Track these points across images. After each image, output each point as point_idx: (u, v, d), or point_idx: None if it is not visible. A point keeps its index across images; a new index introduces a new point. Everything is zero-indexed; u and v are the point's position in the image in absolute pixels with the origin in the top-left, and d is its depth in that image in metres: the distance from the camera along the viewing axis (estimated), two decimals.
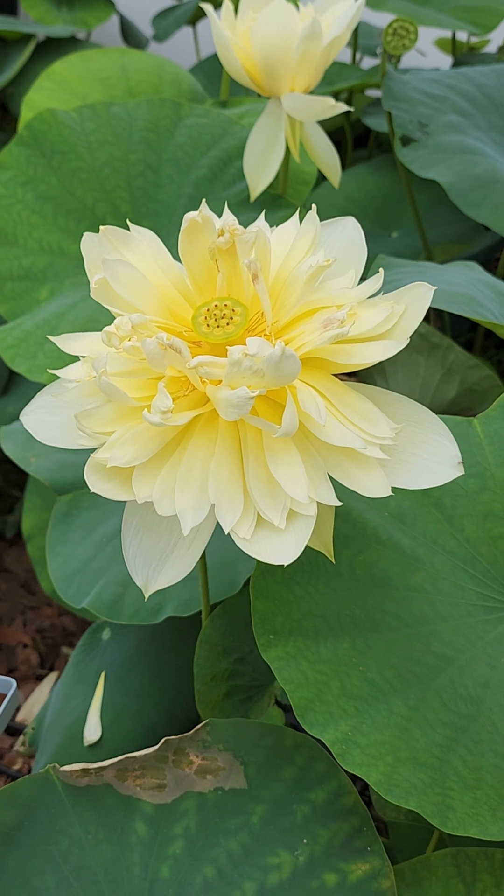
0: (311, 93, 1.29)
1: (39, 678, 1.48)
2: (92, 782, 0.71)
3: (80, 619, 1.54)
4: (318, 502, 0.56)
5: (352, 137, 1.89)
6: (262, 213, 0.67)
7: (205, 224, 0.60)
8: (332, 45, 1.00)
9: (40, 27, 1.93)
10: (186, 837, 0.69)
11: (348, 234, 0.65)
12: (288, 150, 1.09)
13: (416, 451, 0.59)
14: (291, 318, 0.60)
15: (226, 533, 0.55)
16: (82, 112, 1.21)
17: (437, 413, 0.79)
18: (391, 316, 0.59)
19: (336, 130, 1.91)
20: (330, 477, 0.57)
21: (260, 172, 1.08)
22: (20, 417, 0.64)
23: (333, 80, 1.71)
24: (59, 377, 0.62)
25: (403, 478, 0.58)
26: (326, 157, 1.09)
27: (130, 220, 1.17)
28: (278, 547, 0.55)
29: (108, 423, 0.58)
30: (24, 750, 1.03)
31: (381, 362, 1.52)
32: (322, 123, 1.68)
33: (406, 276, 1.00)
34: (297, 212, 0.66)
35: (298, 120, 1.05)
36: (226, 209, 0.66)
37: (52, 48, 1.88)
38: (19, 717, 1.38)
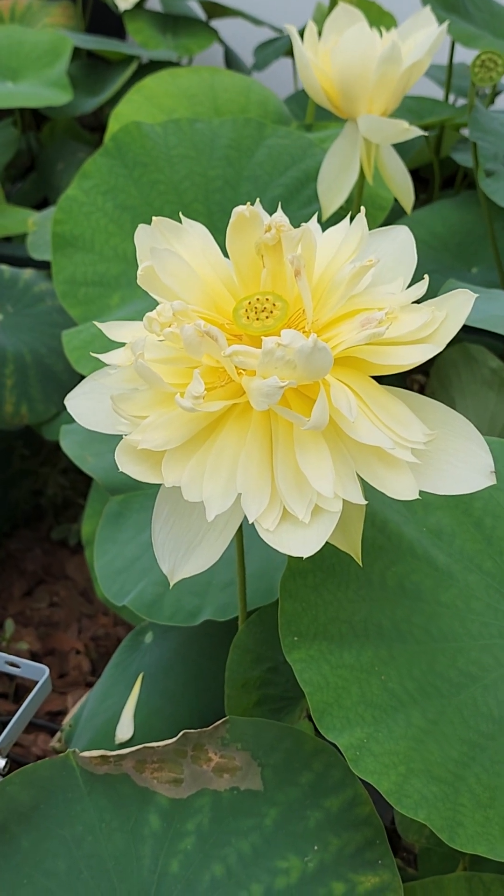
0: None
1: (89, 685, 1.49)
2: (110, 770, 0.71)
3: (133, 627, 1.55)
4: (344, 500, 0.56)
5: (440, 175, 1.90)
6: (315, 216, 0.68)
7: (252, 219, 0.61)
8: (411, 69, 1.01)
9: (144, 51, 1.98)
10: (199, 834, 0.69)
11: (399, 243, 0.66)
12: (363, 175, 1.10)
13: (447, 458, 0.59)
14: (332, 318, 0.60)
15: (250, 522, 0.56)
16: (167, 126, 1.24)
17: None
18: (431, 321, 0.59)
19: (425, 167, 1.92)
20: (361, 480, 0.58)
21: (333, 193, 1.09)
22: (65, 401, 0.65)
23: (424, 115, 1.72)
24: (103, 362, 0.63)
25: (433, 482, 0.58)
26: (400, 181, 1.10)
27: None
28: (300, 540, 0.55)
29: (145, 407, 0.59)
30: (59, 746, 1.03)
31: (451, 395, 1.52)
32: (410, 158, 1.69)
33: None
34: (348, 216, 0.66)
35: (374, 143, 1.05)
36: (279, 208, 0.67)
37: (152, 70, 1.93)
38: (65, 721, 1.40)
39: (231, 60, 2.27)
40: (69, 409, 0.64)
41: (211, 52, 2.36)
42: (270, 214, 1.18)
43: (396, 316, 0.60)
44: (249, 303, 0.59)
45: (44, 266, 1.47)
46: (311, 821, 0.69)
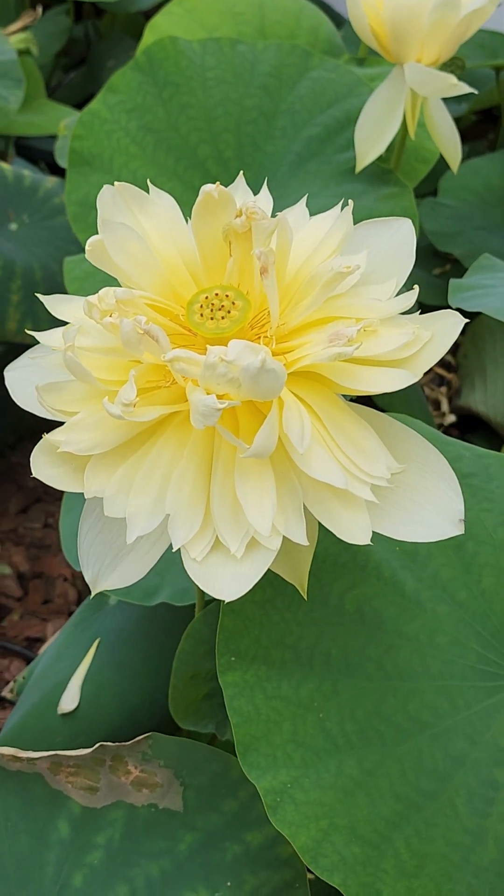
0: (450, 63, 1.20)
1: (71, 614, 1.45)
2: (23, 768, 0.66)
3: None
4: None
5: None
6: (304, 199, 0.59)
7: (222, 200, 0.53)
8: (471, 17, 0.91)
9: None
10: (108, 849, 0.64)
11: (400, 237, 0.57)
12: (406, 125, 1.00)
13: (413, 497, 0.52)
14: (302, 323, 0.53)
15: (174, 549, 0.49)
16: (206, 45, 1.14)
17: None
18: (413, 342, 0.51)
19: (494, 107, 1.79)
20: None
21: (371, 143, 0.99)
22: (4, 372, 0.58)
23: (498, 53, 1.59)
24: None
25: (392, 525, 0.51)
26: (446, 135, 1.00)
27: (233, 169, 1.10)
28: (229, 577, 0.48)
29: (75, 402, 0.52)
30: (10, 697, 0.99)
31: (483, 363, 1.43)
32: (481, 97, 1.57)
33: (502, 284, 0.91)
34: (339, 204, 0.58)
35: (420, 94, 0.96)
36: (265, 187, 0.59)
37: None
38: (43, 649, 1.36)
39: None
40: (7, 383, 0.57)
41: None
42: (304, 155, 1.09)
43: (375, 330, 0.52)
44: (206, 297, 0.52)
45: None
46: (228, 853, 0.63)
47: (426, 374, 1.48)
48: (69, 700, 0.86)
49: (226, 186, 0.57)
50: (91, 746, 0.65)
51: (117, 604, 0.95)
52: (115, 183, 0.55)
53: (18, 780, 0.66)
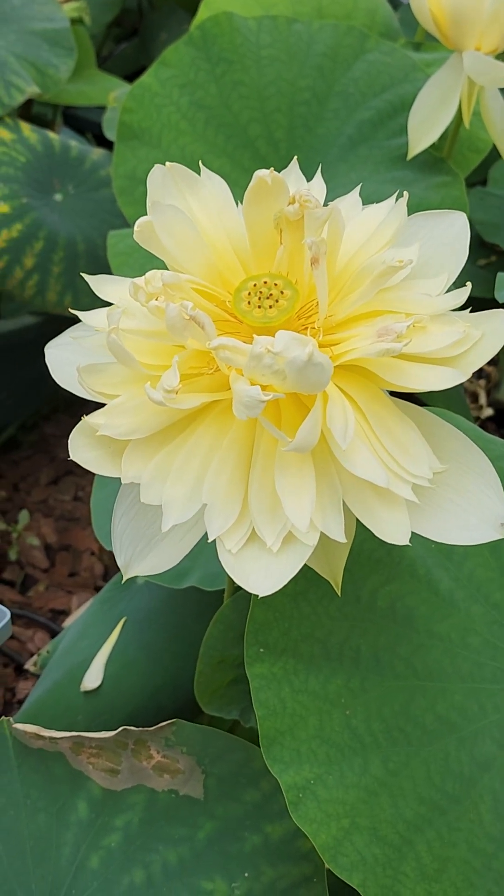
0: None
1: (97, 589, 1.45)
2: (45, 746, 0.66)
3: None
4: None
5: None
6: (358, 188, 0.58)
7: (275, 187, 0.52)
8: None
9: None
10: (126, 833, 0.64)
11: (454, 232, 0.56)
12: (461, 113, 0.98)
13: (453, 498, 0.51)
14: (350, 316, 0.52)
15: (209, 540, 0.48)
16: (261, 23, 1.12)
17: None
18: (463, 341, 0.50)
19: None
20: None
21: (424, 130, 0.98)
22: (45, 349, 0.57)
23: None
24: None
25: (430, 526, 0.50)
26: (501, 127, 0.98)
27: (283, 149, 1.09)
28: (263, 570, 0.48)
29: (116, 384, 0.51)
30: (34, 670, 0.99)
31: None
32: None
33: None
34: (394, 196, 0.56)
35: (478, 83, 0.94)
36: (318, 173, 0.58)
37: None
38: (67, 622, 1.36)
39: None
40: (47, 360, 0.56)
41: None
42: (356, 139, 1.08)
43: (425, 326, 0.51)
44: (255, 285, 0.51)
45: None
46: (247, 844, 0.63)
47: None
48: (92, 678, 0.86)
49: (276, 167, 0.56)
50: (113, 726, 0.65)
51: (145, 584, 0.94)
52: (167, 163, 0.54)
53: (40, 759, 0.66)
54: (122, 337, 0.49)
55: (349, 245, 0.53)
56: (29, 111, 1.68)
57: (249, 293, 0.51)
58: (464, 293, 0.52)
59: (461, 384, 1.42)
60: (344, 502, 0.49)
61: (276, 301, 0.50)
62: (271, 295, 0.50)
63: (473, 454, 0.52)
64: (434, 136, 0.98)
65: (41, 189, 1.31)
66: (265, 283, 0.51)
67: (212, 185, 0.55)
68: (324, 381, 0.46)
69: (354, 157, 1.06)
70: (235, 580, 0.47)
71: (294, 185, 0.58)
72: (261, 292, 0.50)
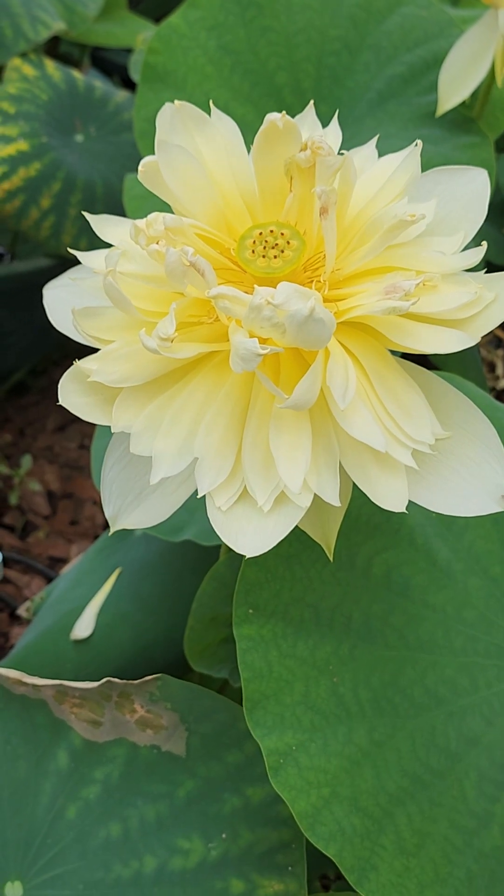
0: None
1: (97, 539, 1.44)
2: (28, 693, 0.65)
3: None
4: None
5: None
6: (375, 140, 0.56)
7: (287, 131, 0.50)
8: None
9: None
10: (105, 785, 0.63)
11: (473, 188, 0.54)
12: (494, 72, 0.95)
13: (455, 467, 0.49)
14: (358, 270, 0.50)
15: (199, 495, 0.47)
16: None
17: None
18: (475, 302, 0.48)
19: None
20: None
21: (455, 87, 0.95)
22: (43, 290, 0.56)
23: None
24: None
25: (429, 495, 0.48)
26: None
27: (309, 100, 1.06)
28: (252, 531, 0.46)
29: (111, 329, 0.49)
30: (26, 616, 0.98)
31: None
32: None
33: None
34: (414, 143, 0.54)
35: None
36: (334, 120, 0.55)
37: None
38: (64, 570, 1.35)
39: None
40: (45, 302, 0.55)
41: None
42: (385, 94, 1.05)
43: (436, 285, 0.49)
44: (260, 233, 0.49)
45: None
46: (227, 805, 0.62)
47: (485, 335, 1.44)
48: (83, 627, 0.85)
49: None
50: (101, 677, 0.63)
51: (143, 535, 0.93)
52: (176, 101, 0.52)
53: (22, 705, 0.65)
54: (119, 280, 0.48)
55: (361, 197, 0.51)
56: (56, 49, 1.65)
57: (255, 241, 0.49)
58: (478, 252, 0.50)
59: (479, 353, 1.39)
60: (341, 465, 0.47)
61: (282, 251, 0.48)
62: (277, 245, 0.48)
63: (479, 422, 0.50)
64: (464, 95, 0.95)
65: (62, 129, 1.28)
66: (271, 231, 0.49)
67: (223, 126, 0.53)
68: (325, 338, 0.44)
69: (382, 112, 1.03)
70: (223, 538, 0.46)
71: (309, 131, 0.56)
72: (266, 241, 0.48)
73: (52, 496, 1.47)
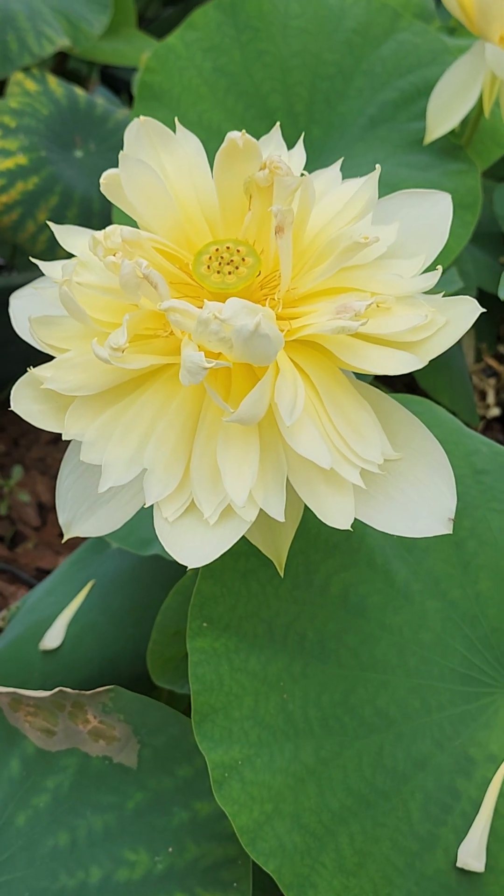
0: None
1: None
2: None
3: None
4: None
5: None
6: (339, 162, 0.56)
7: (247, 150, 0.50)
8: None
9: None
10: (55, 794, 0.63)
11: (437, 212, 0.54)
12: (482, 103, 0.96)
13: (402, 488, 0.49)
14: (314, 290, 0.50)
15: (147, 504, 0.47)
16: None
17: None
18: (426, 326, 0.48)
19: None
20: None
21: (443, 116, 0.95)
22: (10, 299, 0.56)
23: None
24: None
25: (377, 514, 0.49)
26: None
27: (302, 124, 1.07)
28: (197, 542, 0.46)
29: (67, 339, 0.50)
30: (1, 624, 0.98)
31: None
32: None
33: None
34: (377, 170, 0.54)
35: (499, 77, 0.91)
36: (300, 143, 0.56)
37: None
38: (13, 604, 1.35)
39: None
40: (10, 310, 0.55)
41: None
42: (377, 120, 1.05)
43: (389, 307, 0.49)
44: (217, 250, 0.49)
45: None
46: (175, 819, 0.62)
47: (477, 362, 1.44)
48: (53, 637, 0.85)
49: (292, 141, 0.54)
50: (67, 687, 0.64)
51: (118, 549, 0.93)
52: (141, 117, 0.53)
53: None
54: (76, 290, 0.48)
55: (321, 218, 0.52)
56: (64, 66, 1.66)
57: (211, 257, 0.49)
58: (433, 277, 0.50)
59: (471, 381, 1.39)
60: (290, 482, 0.47)
61: (237, 268, 0.49)
62: (232, 261, 0.49)
63: (430, 445, 0.50)
64: (453, 123, 0.95)
65: (62, 144, 1.30)
66: (227, 248, 0.49)
67: (187, 144, 0.54)
68: (271, 354, 0.44)
69: (373, 137, 1.04)
70: (167, 549, 0.46)
71: (274, 151, 0.56)
72: (222, 257, 0.49)
73: (43, 508, 1.47)
